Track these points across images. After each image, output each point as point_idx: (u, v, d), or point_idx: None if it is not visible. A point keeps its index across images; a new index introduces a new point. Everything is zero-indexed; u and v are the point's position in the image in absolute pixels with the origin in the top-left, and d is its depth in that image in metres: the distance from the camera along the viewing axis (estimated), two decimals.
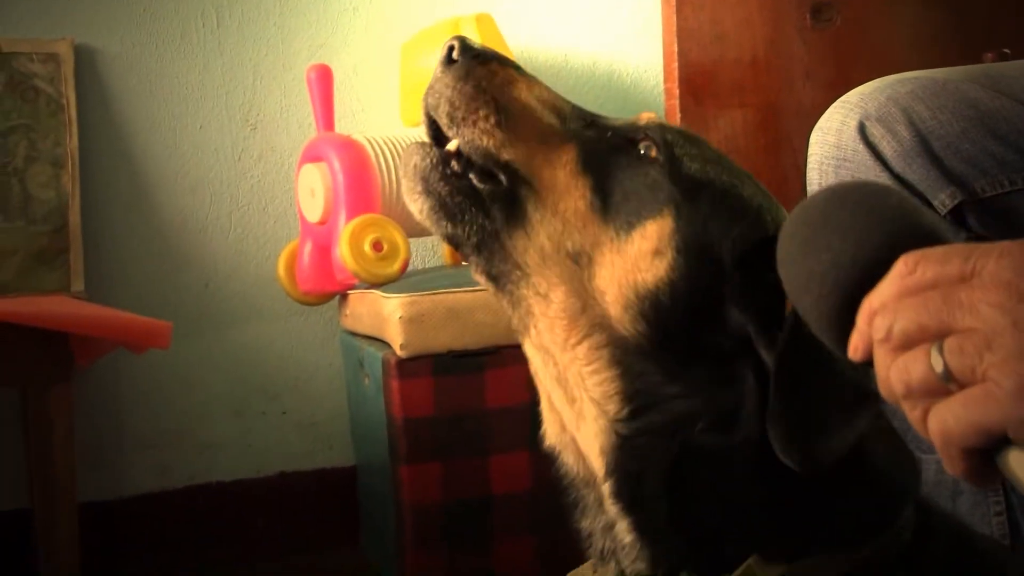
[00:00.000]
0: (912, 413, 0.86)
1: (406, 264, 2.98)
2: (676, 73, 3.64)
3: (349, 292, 3.21)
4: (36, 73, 3.20)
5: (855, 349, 0.91)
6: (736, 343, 1.11)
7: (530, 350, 1.25)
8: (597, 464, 1.19)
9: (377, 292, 2.95)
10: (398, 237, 2.96)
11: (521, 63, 3.48)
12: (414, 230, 3.08)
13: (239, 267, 3.43)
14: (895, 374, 0.86)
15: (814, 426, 1.02)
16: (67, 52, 3.23)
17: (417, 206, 1.25)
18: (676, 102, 3.63)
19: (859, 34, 3.79)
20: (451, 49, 1.28)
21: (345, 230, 2.94)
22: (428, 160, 1.24)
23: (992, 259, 0.83)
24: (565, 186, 1.21)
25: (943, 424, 0.83)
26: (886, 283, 0.88)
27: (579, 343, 1.18)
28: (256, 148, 3.46)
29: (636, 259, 1.15)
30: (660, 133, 1.23)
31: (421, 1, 3.59)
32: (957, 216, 1.80)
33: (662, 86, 3.74)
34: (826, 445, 1.01)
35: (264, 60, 3.46)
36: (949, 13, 3.82)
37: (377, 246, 2.93)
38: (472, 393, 2.83)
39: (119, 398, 3.32)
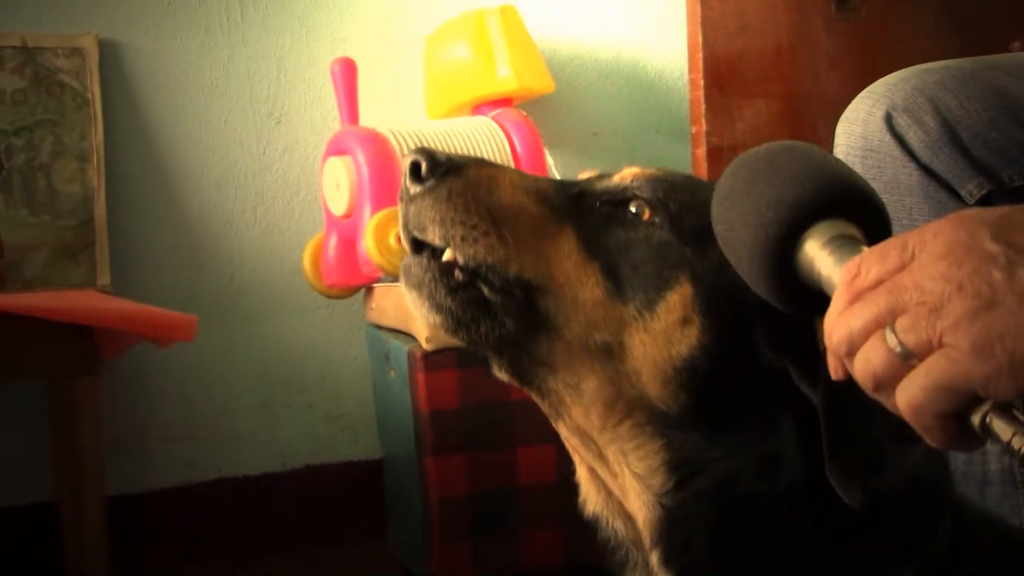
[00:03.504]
0: (889, 402, 0.88)
1: None
2: (700, 64, 3.63)
3: (374, 285, 3.21)
4: (61, 68, 3.20)
5: (834, 371, 0.94)
6: (773, 387, 1.11)
7: (565, 432, 1.24)
8: (644, 533, 1.18)
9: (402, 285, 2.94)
10: None
11: (544, 55, 3.48)
12: None
13: (264, 260, 3.44)
14: (859, 369, 0.88)
15: (871, 460, 1.01)
16: (92, 46, 3.23)
17: (429, 320, 1.22)
18: (701, 93, 3.62)
19: (884, 24, 3.77)
20: (416, 165, 1.22)
21: (370, 223, 2.93)
22: (430, 274, 1.20)
23: (927, 240, 0.87)
24: (577, 278, 1.18)
25: (912, 397, 0.84)
26: (835, 294, 0.91)
27: (619, 424, 1.17)
28: (281, 142, 3.46)
29: (666, 334, 1.13)
30: (650, 191, 1.20)
31: None
32: (985, 206, 1.78)
33: (686, 77, 3.72)
34: (884, 477, 1.01)
35: (288, 53, 3.46)
36: (976, 2, 3.80)
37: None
38: (497, 385, 2.79)
39: (145, 391, 3.33)
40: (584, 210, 1.23)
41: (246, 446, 3.42)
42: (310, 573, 3.30)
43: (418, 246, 1.23)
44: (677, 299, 1.13)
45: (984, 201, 1.78)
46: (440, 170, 1.21)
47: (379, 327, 3.21)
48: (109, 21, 3.29)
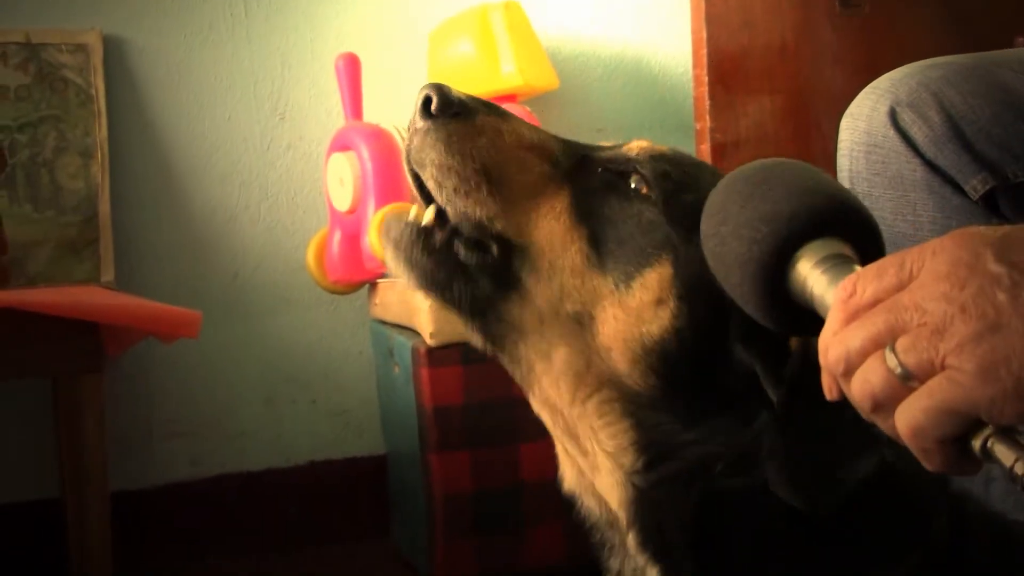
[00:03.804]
0: (887, 423, 0.87)
1: None
2: (705, 60, 3.62)
3: (378, 281, 3.21)
4: (65, 64, 3.20)
5: (828, 390, 0.92)
6: (746, 382, 1.09)
7: (536, 405, 1.24)
8: (619, 512, 1.17)
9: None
10: None
11: (549, 52, 3.47)
12: None
13: (268, 257, 3.44)
14: (857, 390, 0.87)
15: (820, 466, 1.00)
16: (96, 43, 3.23)
17: (403, 278, 1.23)
18: (705, 89, 3.62)
19: (888, 19, 3.76)
20: (428, 100, 1.23)
21: (374, 219, 2.93)
22: (409, 233, 1.22)
23: (927, 259, 0.85)
24: (561, 242, 1.18)
25: (912, 419, 0.83)
26: (831, 313, 0.90)
27: (588, 399, 1.16)
28: (285, 138, 3.46)
29: (639, 311, 1.12)
30: (652, 166, 1.19)
31: None
32: (989, 201, 1.78)
33: (691, 73, 3.72)
34: (832, 485, 1.00)
35: (292, 50, 3.46)
36: None
37: None
38: (501, 381, 2.79)
39: (149, 388, 3.33)
40: (585, 175, 1.23)
41: (249, 442, 3.43)
42: (313, 570, 3.30)
43: (418, 180, 1.24)
44: (655, 278, 1.12)
45: (988, 197, 1.78)
46: (450, 110, 1.22)
47: (383, 323, 3.21)
48: (113, 17, 3.29)
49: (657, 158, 1.21)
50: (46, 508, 3.08)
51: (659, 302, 1.12)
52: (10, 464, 3.19)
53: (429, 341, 2.78)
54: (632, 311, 1.13)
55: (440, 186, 1.20)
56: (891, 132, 1.82)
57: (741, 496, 1.09)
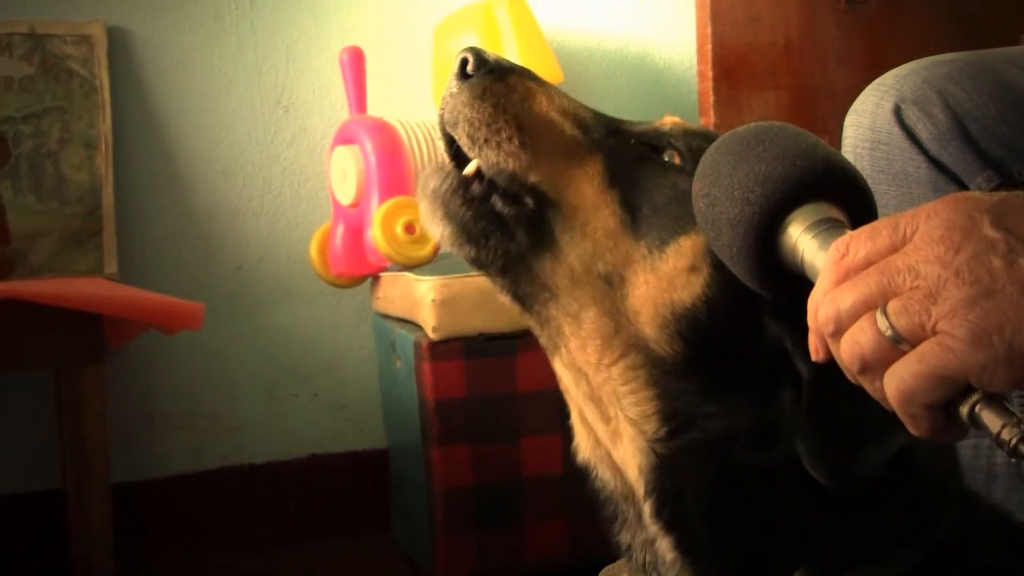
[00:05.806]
0: (874, 386, 0.86)
1: (439, 247, 2.97)
2: (709, 55, 3.63)
3: (381, 275, 3.20)
4: (70, 55, 3.20)
5: (815, 351, 0.91)
6: (774, 356, 1.08)
7: (560, 368, 1.23)
8: (636, 482, 1.17)
9: (409, 275, 2.94)
10: None
11: (553, 46, 3.46)
12: None
13: (271, 249, 3.44)
14: (846, 350, 0.86)
15: (847, 442, 0.99)
16: (100, 34, 3.23)
17: (438, 231, 1.21)
18: (709, 85, 3.62)
19: (894, 16, 3.76)
20: (464, 62, 1.23)
21: (377, 212, 2.93)
22: (448, 183, 1.20)
23: (921, 222, 0.84)
24: (593, 204, 1.18)
25: (902, 383, 0.82)
26: (822, 273, 0.89)
27: (614, 363, 1.15)
28: (288, 130, 3.46)
29: (671, 277, 1.12)
30: (685, 140, 1.20)
31: None
32: None
33: (695, 68, 3.72)
34: (858, 462, 0.99)
35: (297, 42, 3.46)
36: None
37: (409, 228, 2.92)
38: (504, 376, 2.82)
39: (151, 380, 3.33)
40: (617, 145, 1.23)
41: (251, 435, 3.43)
42: (313, 563, 3.30)
43: (452, 145, 1.24)
44: (689, 245, 1.12)
45: None
46: (484, 69, 1.22)
47: (386, 316, 3.21)
48: (117, 8, 3.29)
49: (691, 134, 1.21)
50: (47, 499, 3.08)
51: (692, 269, 1.11)
52: (11, 455, 3.19)
53: (431, 335, 2.78)
54: (664, 276, 1.12)
55: (472, 139, 1.19)
56: (895, 129, 1.82)
57: (760, 471, 1.09)
